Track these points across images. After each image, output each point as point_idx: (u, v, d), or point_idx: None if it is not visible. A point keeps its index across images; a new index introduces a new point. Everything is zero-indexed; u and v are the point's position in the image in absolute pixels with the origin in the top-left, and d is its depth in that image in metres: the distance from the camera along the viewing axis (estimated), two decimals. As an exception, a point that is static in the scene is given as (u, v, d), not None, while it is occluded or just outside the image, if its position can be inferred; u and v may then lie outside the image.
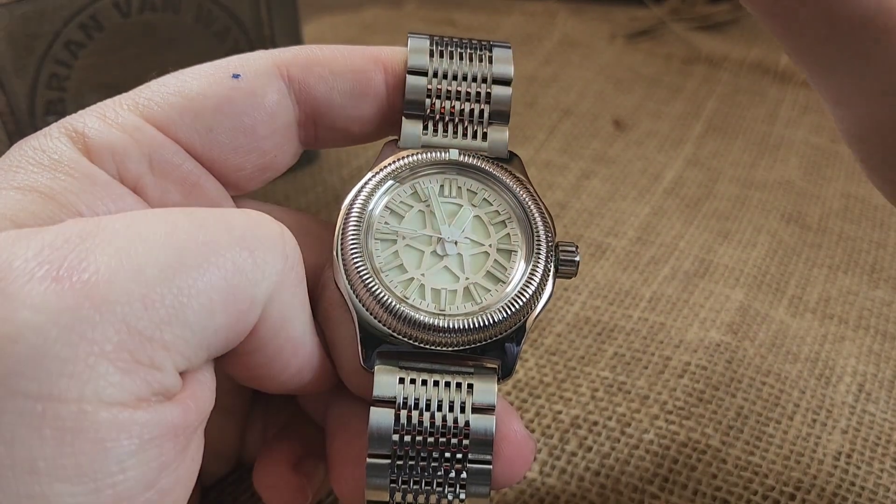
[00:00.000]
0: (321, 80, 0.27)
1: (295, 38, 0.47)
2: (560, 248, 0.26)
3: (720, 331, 0.40)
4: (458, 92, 0.27)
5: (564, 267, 0.26)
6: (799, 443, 0.35)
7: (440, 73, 0.27)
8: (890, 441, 0.35)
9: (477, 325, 0.24)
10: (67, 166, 0.23)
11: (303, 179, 0.52)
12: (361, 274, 0.24)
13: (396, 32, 0.72)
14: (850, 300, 0.43)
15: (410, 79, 0.27)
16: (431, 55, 0.27)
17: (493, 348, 0.25)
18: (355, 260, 0.24)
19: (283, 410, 0.31)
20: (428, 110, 0.27)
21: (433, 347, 0.24)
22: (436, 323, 0.24)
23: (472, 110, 0.27)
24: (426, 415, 0.24)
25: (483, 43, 0.28)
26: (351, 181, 0.52)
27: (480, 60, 0.27)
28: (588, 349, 0.40)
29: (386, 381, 0.24)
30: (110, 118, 0.25)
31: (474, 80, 0.27)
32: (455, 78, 0.27)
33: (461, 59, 0.27)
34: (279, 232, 0.23)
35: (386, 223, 0.26)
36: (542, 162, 0.54)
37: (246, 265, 0.22)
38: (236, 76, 0.26)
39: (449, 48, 0.27)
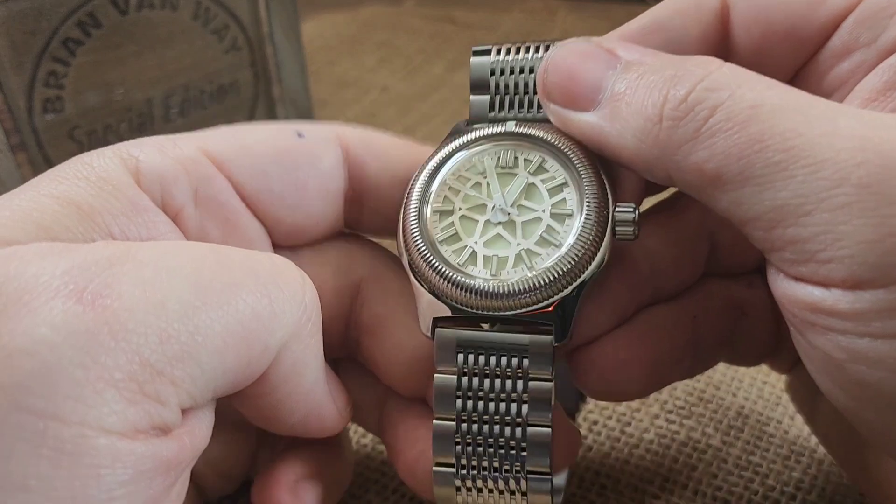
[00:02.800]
0: (376, 159, 0.28)
1: (293, 36, 0.47)
2: (617, 209, 0.25)
3: (720, 330, 0.40)
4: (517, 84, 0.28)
5: (622, 227, 0.25)
6: (799, 442, 0.34)
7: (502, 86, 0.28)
8: (890, 441, 0.35)
9: (530, 287, 0.24)
10: (111, 185, 0.24)
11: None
12: (418, 245, 0.25)
13: (395, 30, 0.72)
14: (851, 299, 0.43)
15: (473, 98, 0.28)
16: (492, 73, 0.28)
17: (548, 311, 0.25)
18: (413, 232, 0.26)
19: None
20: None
21: (489, 313, 0.25)
22: (489, 288, 0.24)
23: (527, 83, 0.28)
24: (486, 381, 0.25)
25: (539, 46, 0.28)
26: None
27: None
28: (588, 348, 0.40)
29: (446, 349, 0.25)
30: (168, 148, 0.25)
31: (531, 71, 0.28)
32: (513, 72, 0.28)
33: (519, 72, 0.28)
34: (300, 281, 0.24)
35: (445, 197, 0.26)
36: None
37: (264, 312, 0.22)
38: (301, 135, 0.27)
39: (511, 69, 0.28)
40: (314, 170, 0.27)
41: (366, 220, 0.29)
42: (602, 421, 0.35)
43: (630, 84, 0.23)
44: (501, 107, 0.28)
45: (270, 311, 0.22)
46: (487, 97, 0.28)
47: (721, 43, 0.26)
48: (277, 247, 0.28)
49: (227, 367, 0.21)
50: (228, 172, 0.26)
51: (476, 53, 0.28)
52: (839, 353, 0.21)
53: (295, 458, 0.29)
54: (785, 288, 0.22)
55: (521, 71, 0.27)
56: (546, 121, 0.27)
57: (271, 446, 0.31)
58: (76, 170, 0.24)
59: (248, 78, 0.46)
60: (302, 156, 0.27)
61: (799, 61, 0.26)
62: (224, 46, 0.44)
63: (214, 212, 0.26)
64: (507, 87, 0.28)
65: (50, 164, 0.39)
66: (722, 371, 0.38)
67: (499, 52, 0.28)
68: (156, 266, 0.20)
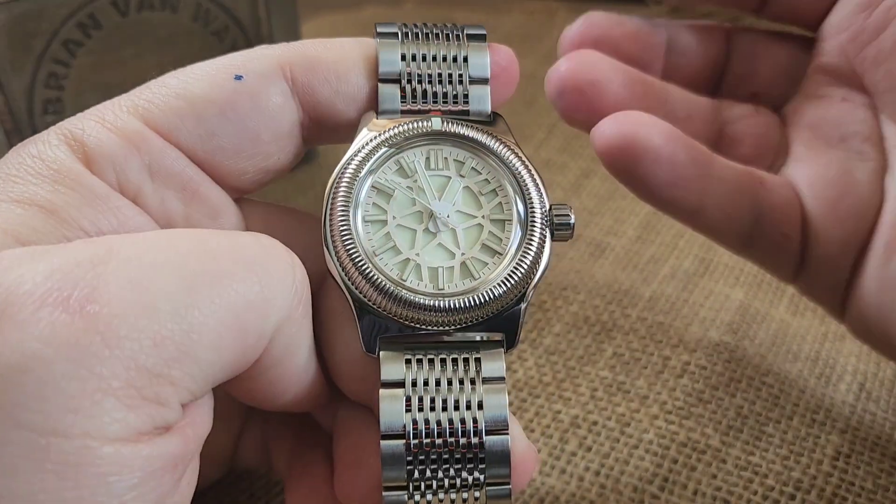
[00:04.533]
0: (325, 83, 0.26)
1: (294, 37, 0.47)
2: (554, 212, 0.25)
3: (720, 330, 0.40)
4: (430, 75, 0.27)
5: (560, 231, 0.25)
6: (799, 443, 0.34)
7: (414, 76, 0.26)
8: (890, 441, 0.35)
9: (477, 303, 0.24)
10: (68, 178, 0.23)
11: (301, 179, 0.52)
12: (355, 259, 0.24)
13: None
14: (850, 299, 0.43)
15: (383, 87, 0.26)
16: (403, 58, 0.26)
17: (496, 320, 0.24)
18: (347, 245, 0.24)
19: (283, 416, 0.31)
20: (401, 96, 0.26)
21: (435, 328, 0.24)
22: (435, 304, 0.24)
23: (450, 75, 0.26)
24: (437, 394, 0.23)
25: (455, 31, 0.27)
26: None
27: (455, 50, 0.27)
28: (587, 349, 0.40)
29: (392, 364, 0.24)
30: (110, 122, 0.24)
31: (445, 60, 0.27)
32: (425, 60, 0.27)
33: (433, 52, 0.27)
34: (290, 263, 0.23)
35: (374, 204, 0.25)
36: (541, 161, 0.54)
37: (257, 301, 0.21)
38: (238, 77, 0.25)
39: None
40: (262, 114, 0.25)
41: (326, 139, 0.28)
42: (601, 421, 0.36)
43: None
44: (414, 97, 0.26)
45: (262, 297, 0.21)
46: (398, 86, 0.26)
47: None
48: (245, 198, 0.27)
49: (225, 360, 0.21)
50: (176, 141, 0.25)
51: (382, 35, 0.27)
52: None
53: (322, 456, 0.28)
54: None
55: (435, 59, 0.26)
56: (465, 114, 0.26)
57: (260, 434, 0.31)
58: (27, 165, 0.23)
59: (248, 79, 0.46)
60: (246, 103, 0.25)
61: None
62: (224, 48, 0.44)
63: (172, 184, 0.25)
64: (420, 77, 0.26)
65: (50, 165, 0.39)
66: (720, 372, 0.38)
67: (407, 35, 0.27)
68: (141, 264, 0.20)
